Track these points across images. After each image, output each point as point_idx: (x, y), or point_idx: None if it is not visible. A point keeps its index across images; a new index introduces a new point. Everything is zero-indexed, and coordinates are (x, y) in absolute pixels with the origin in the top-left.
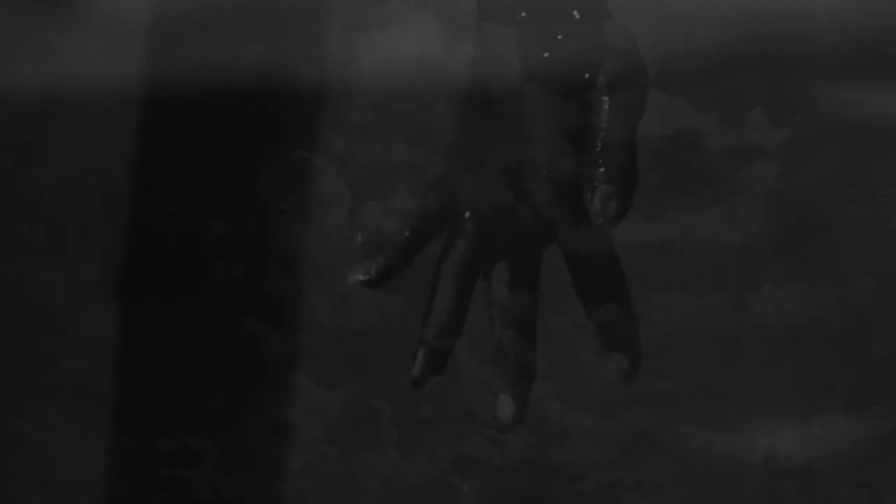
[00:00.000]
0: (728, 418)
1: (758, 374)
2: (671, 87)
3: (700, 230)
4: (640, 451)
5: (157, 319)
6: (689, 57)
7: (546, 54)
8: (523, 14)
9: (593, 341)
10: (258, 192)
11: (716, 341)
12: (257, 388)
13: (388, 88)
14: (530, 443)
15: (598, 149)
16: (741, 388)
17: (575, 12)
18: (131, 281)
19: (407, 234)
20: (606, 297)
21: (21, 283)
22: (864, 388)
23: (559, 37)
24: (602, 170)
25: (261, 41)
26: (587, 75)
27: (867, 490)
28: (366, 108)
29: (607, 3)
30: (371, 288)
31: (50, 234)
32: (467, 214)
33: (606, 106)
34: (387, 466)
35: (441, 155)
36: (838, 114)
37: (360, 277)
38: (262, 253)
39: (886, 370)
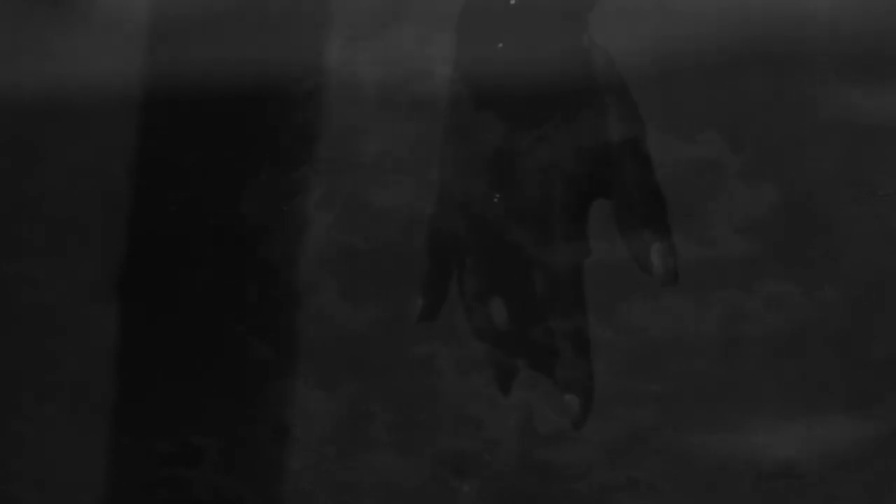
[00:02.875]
0: (727, 419)
1: (758, 374)
2: (669, 92)
3: (698, 232)
4: (639, 452)
5: (156, 320)
6: (689, 57)
7: (513, 83)
8: (500, 45)
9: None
10: (257, 193)
11: (715, 342)
12: (257, 390)
13: (383, 93)
14: (529, 444)
15: (637, 209)
16: (740, 388)
17: (553, 42)
18: (131, 281)
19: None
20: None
21: (21, 283)
22: (864, 388)
23: (537, 66)
24: (649, 229)
25: (260, 42)
26: (559, 105)
27: (867, 490)
28: (360, 111)
29: (588, 17)
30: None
31: (50, 234)
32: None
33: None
34: (386, 467)
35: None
36: (838, 114)
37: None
38: (260, 254)
39: (886, 370)
